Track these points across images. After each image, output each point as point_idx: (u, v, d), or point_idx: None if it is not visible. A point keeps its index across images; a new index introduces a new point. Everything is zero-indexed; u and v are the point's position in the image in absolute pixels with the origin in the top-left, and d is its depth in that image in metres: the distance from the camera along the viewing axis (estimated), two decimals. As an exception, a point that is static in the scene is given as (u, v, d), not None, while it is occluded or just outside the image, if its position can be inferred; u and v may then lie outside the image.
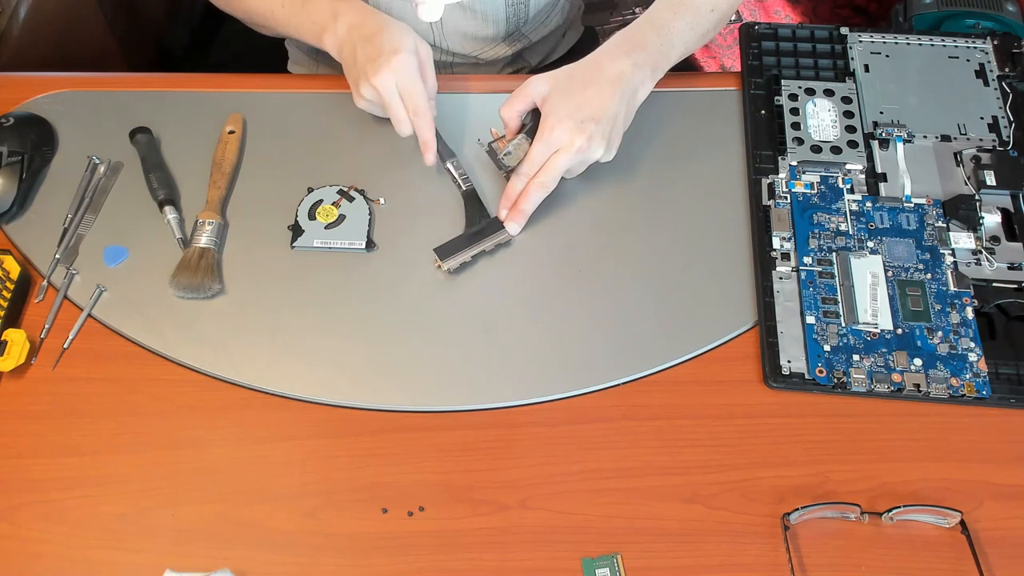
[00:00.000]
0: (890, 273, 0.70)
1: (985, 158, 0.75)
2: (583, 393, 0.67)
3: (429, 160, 0.73)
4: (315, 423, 0.66)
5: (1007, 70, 0.81)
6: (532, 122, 0.72)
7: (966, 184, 0.75)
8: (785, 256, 0.72)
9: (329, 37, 0.75)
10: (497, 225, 0.73)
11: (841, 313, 0.68)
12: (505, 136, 0.74)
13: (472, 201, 0.75)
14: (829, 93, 0.80)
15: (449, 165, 0.76)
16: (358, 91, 0.73)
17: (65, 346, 0.69)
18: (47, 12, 1.01)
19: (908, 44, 0.83)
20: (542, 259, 0.73)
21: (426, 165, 0.74)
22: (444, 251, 0.72)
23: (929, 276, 0.70)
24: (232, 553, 0.60)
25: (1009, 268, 0.70)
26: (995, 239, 0.72)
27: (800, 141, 0.77)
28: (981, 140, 0.77)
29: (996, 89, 0.80)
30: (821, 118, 0.78)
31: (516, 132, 0.73)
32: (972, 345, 0.67)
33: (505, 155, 0.72)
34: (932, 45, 0.83)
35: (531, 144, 0.71)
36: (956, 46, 0.83)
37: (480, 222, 0.74)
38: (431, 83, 0.75)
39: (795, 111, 0.79)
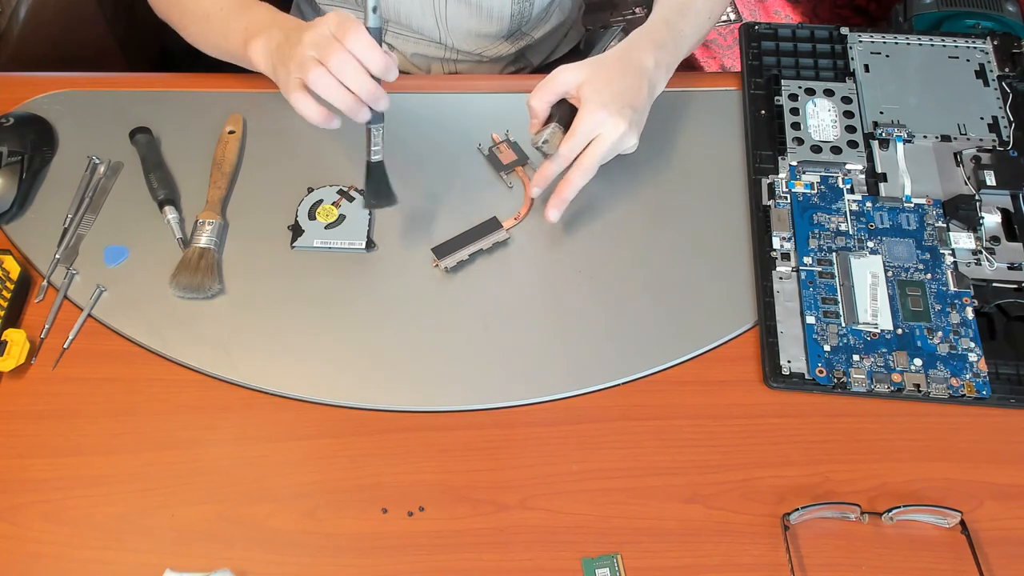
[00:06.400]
0: (890, 273, 0.70)
1: (985, 158, 0.75)
2: (583, 393, 0.67)
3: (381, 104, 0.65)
4: (315, 423, 0.66)
5: (1007, 70, 0.81)
6: (558, 113, 0.71)
7: (966, 184, 0.75)
8: (785, 256, 0.71)
9: (261, 41, 0.70)
10: (494, 224, 0.73)
11: (841, 313, 0.68)
12: (529, 127, 0.72)
13: (376, 174, 0.70)
14: (829, 93, 0.80)
15: (372, 128, 0.68)
16: (299, 63, 0.63)
17: (65, 346, 0.69)
18: (47, 12, 1.01)
19: (908, 44, 0.83)
20: (542, 259, 0.73)
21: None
22: (441, 250, 0.72)
23: (929, 276, 0.70)
24: (232, 553, 0.60)
25: (1009, 268, 0.70)
26: (995, 239, 0.72)
27: (800, 141, 0.77)
28: (981, 140, 0.77)
29: (996, 89, 0.80)
30: (821, 118, 0.78)
31: (544, 123, 0.71)
32: (972, 345, 0.67)
33: (543, 143, 0.70)
34: (932, 45, 0.83)
35: (564, 133, 0.69)
36: (956, 46, 0.83)
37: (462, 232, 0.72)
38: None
39: (795, 111, 0.79)
